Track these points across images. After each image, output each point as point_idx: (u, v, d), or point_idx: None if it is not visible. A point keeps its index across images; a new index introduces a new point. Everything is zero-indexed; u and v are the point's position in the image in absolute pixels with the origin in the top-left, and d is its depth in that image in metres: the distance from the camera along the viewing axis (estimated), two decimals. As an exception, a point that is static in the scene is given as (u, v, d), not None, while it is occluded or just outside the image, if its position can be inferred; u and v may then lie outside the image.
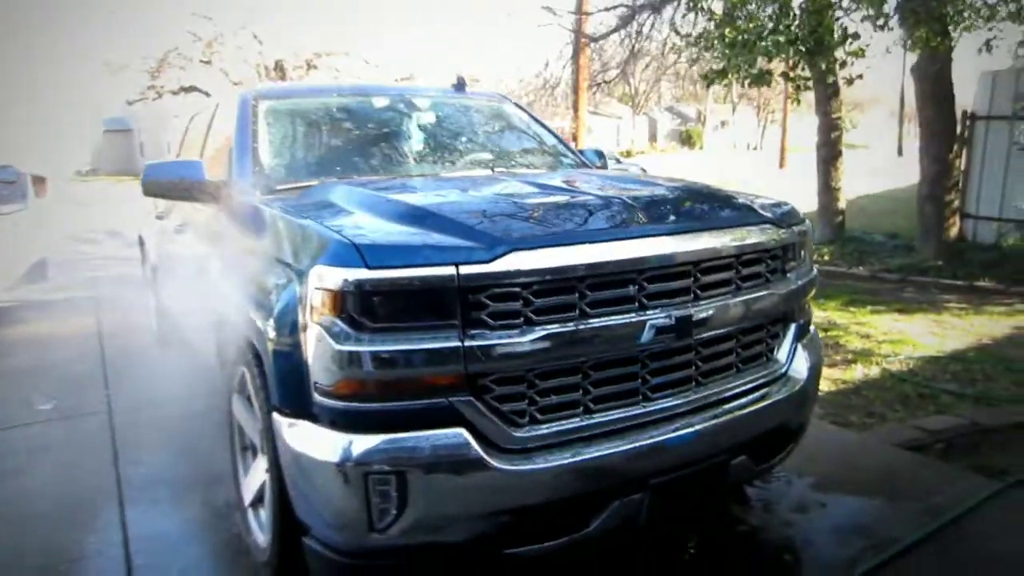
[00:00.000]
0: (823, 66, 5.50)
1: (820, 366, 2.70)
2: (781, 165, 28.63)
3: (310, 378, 1.96)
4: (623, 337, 2.08)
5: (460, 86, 4.04)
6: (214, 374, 3.36)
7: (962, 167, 8.53)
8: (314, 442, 1.95)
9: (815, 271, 2.76)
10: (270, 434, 2.16)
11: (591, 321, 2.04)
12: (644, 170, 4.28)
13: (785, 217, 2.58)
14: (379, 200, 2.35)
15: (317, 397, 1.95)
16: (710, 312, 2.24)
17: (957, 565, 2.42)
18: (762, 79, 6.04)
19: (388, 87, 4.59)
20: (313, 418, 1.98)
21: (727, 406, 2.34)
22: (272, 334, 2.09)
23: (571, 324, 2.01)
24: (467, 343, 1.90)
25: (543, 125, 4.10)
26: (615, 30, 10.10)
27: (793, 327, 2.62)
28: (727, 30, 5.94)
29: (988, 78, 9.14)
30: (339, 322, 1.88)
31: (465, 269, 1.89)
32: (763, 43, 5.58)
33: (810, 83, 5.97)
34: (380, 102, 3.67)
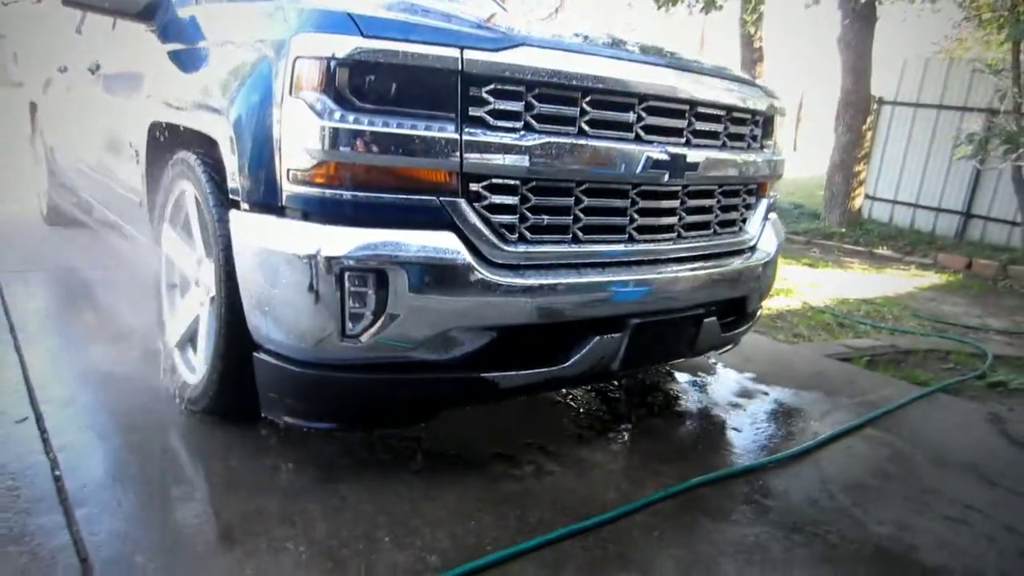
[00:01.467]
0: None
1: (781, 248, 2.70)
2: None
3: (281, 164, 1.73)
4: (618, 162, 1.97)
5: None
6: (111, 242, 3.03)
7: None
8: (284, 236, 1.73)
9: (783, 155, 2.75)
10: (224, 240, 1.92)
11: (589, 140, 1.91)
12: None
13: (771, 91, 2.56)
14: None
15: (289, 186, 1.73)
16: (699, 158, 2.17)
17: (895, 449, 2.48)
18: (712, 4, 6.06)
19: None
20: (280, 211, 1.76)
21: (703, 263, 2.29)
22: (235, 118, 1.84)
23: (569, 137, 1.88)
24: (465, 138, 1.73)
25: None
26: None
27: (764, 202, 2.61)
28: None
29: (899, 66, 9.62)
30: (324, 97, 1.66)
31: (470, 54, 1.72)
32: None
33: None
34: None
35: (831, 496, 2.09)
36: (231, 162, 1.86)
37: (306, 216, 1.73)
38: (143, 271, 3.72)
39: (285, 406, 1.87)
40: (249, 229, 1.81)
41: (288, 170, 1.72)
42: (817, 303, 4.90)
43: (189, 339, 2.35)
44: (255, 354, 1.88)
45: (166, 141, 2.38)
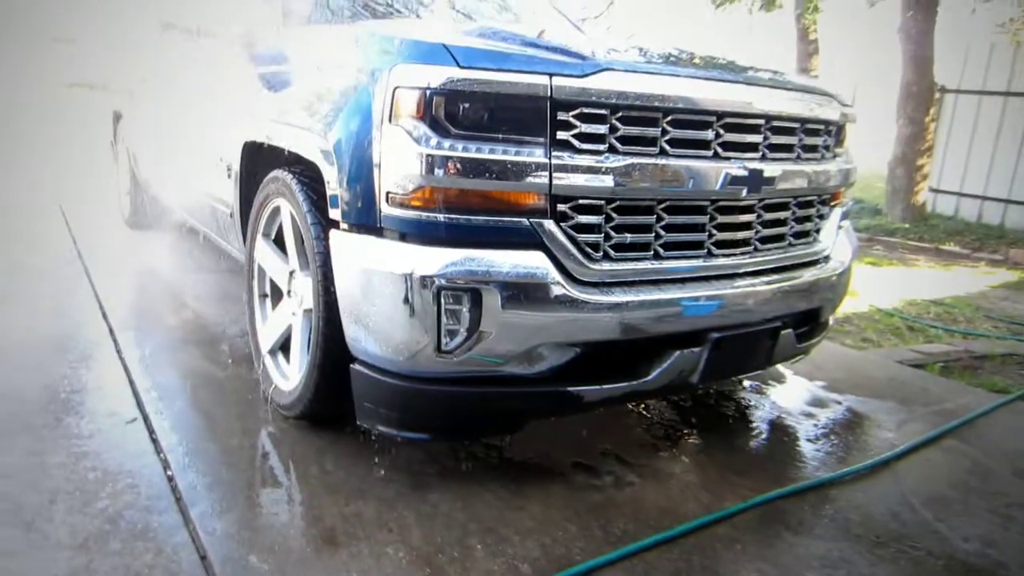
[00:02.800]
0: None
1: (855, 256, 2.70)
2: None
3: (380, 188, 1.83)
4: (698, 180, 2.01)
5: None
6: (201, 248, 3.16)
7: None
8: (383, 256, 1.82)
9: (854, 163, 2.74)
10: (323, 256, 2.02)
11: (670, 159, 1.96)
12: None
13: (843, 100, 2.56)
14: (445, 26, 2.20)
15: (387, 208, 1.82)
16: (776, 172, 2.19)
17: (975, 461, 2.46)
18: (772, 3, 5.98)
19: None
20: (379, 232, 1.86)
21: (779, 276, 2.31)
22: (334, 142, 1.94)
23: (651, 157, 1.93)
24: (553, 161, 1.79)
25: (562, 14, 3.98)
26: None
27: (837, 211, 2.62)
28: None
29: (963, 52, 9.31)
30: (422, 125, 1.75)
31: (558, 81, 1.78)
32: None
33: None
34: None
35: (913, 510, 2.10)
36: (331, 185, 1.96)
37: (403, 237, 1.82)
38: (229, 277, 3.90)
39: (380, 416, 1.97)
40: (349, 249, 1.91)
41: (387, 193, 1.81)
42: (884, 305, 4.83)
43: (281, 347, 2.47)
44: (352, 366, 1.99)
45: (260, 159, 2.50)
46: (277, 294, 2.54)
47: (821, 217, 2.53)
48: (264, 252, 2.52)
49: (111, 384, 2.53)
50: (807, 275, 2.40)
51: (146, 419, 2.28)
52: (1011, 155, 8.90)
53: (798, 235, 2.41)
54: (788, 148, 2.27)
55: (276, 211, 2.41)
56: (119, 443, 2.12)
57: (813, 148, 2.38)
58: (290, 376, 2.34)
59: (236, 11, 2.96)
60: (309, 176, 2.17)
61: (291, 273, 2.38)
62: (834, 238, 2.58)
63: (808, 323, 2.53)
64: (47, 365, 2.65)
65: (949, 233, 8.00)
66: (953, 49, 8.98)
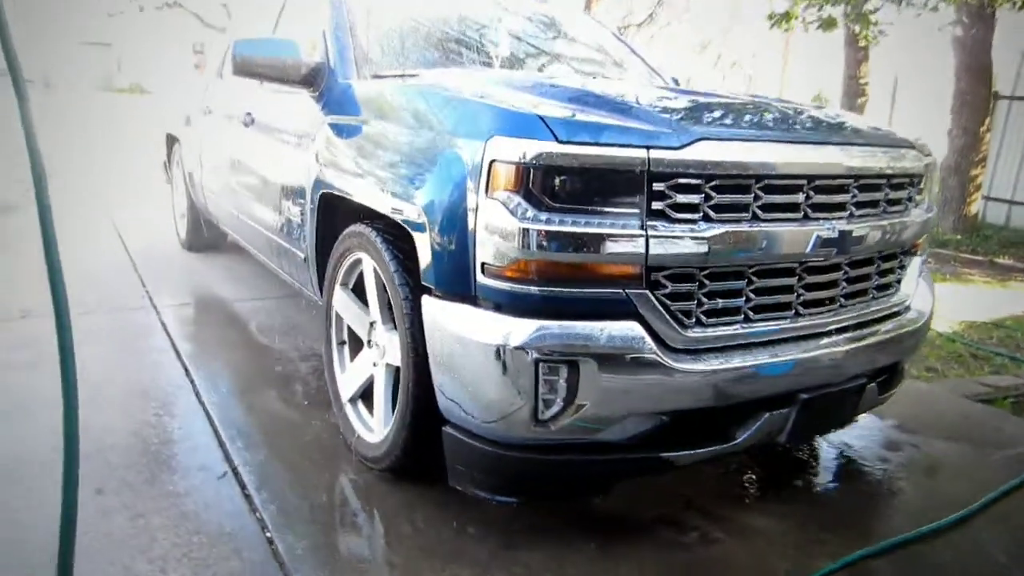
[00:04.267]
0: None
1: (934, 304, 2.66)
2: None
3: (476, 259, 1.85)
4: (791, 244, 2.00)
5: (545, -2, 3.87)
6: (259, 273, 3.18)
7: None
8: (479, 326, 1.84)
9: (935, 208, 2.71)
10: (412, 318, 2.05)
11: (762, 224, 1.95)
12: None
13: (923, 146, 2.53)
14: (535, 86, 2.22)
15: (483, 278, 1.84)
16: (864, 230, 2.18)
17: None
18: (832, 23, 5.88)
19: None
20: (474, 301, 1.88)
21: (864, 330, 2.29)
22: (425, 209, 1.96)
23: (744, 224, 1.92)
24: (649, 232, 1.80)
25: (624, 42, 3.97)
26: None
27: (918, 260, 2.58)
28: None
29: (1016, 59, 9.13)
30: (519, 198, 1.77)
31: (655, 153, 1.79)
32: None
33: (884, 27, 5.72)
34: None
35: (1008, 570, 2.07)
36: (422, 251, 1.98)
37: (499, 307, 1.84)
38: (289, 304, 3.96)
39: (472, 479, 2.00)
40: (443, 316, 1.93)
41: (483, 264, 1.84)
42: (944, 327, 4.75)
43: (361, 396, 2.51)
44: (444, 429, 2.01)
45: (339, 210, 2.54)
46: (354, 340, 2.58)
47: (903, 267, 2.50)
48: (343, 301, 2.56)
49: (197, 433, 2.59)
50: (891, 328, 2.38)
51: (236, 472, 2.33)
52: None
53: (881, 287, 2.39)
54: (874, 204, 2.25)
55: (356, 263, 2.45)
56: (215, 501, 2.17)
57: (897, 201, 2.36)
58: (375, 428, 2.37)
59: (307, 51, 3.01)
60: (393, 233, 2.20)
61: (371, 324, 2.42)
62: (915, 286, 2.55)
63: (889, 371, 2.51)
64: (131, 410, 2.72)
65: (1003, 245, 7.84)
66: (1006, 52, 8.78)
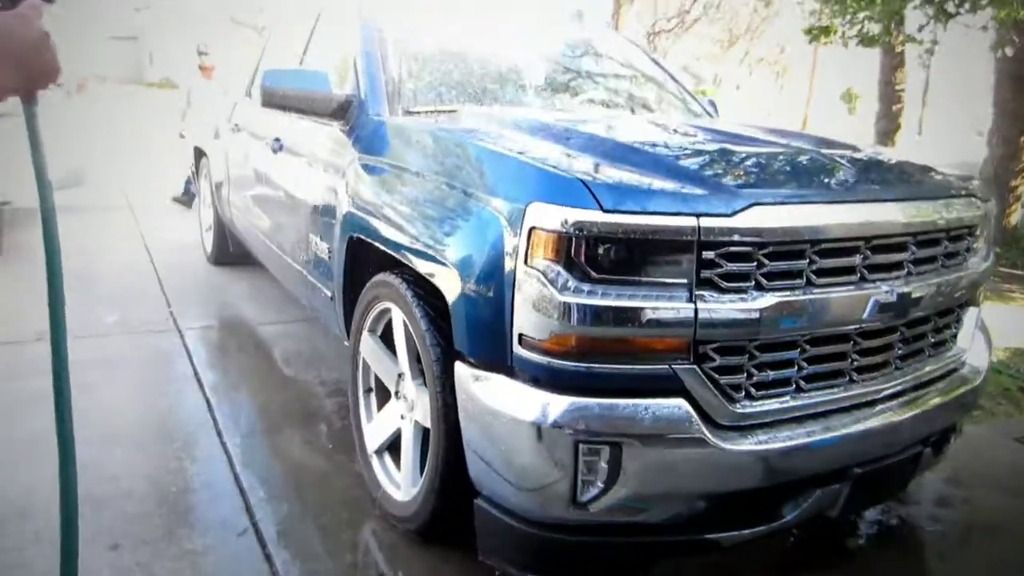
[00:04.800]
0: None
1: (991, 356, 2.52)
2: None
3: (512, 328, 1.74)
4: (847, 310, 1.88)
5: (577, 16, 3.74)
6: (284, 294, 3.11)
7: None
8: (515, 400, 1.74)
9: (993, 255, 2.56)
10: (443, 382, 1.96)
11: (817, 290, 1.83)
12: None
13: (981, 192, 2.38)
14: (574, 135, 2.10)
15: (520, 350, 1.74)
16: (923, 290, 2.04)
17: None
18: (873, 41, 5.67)
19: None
20: (510, 372, 1.77)
21: (921, 392, 2.16)
22: (461, 273, 1.86)
23: (799, 292, 1.80)
24: (698, 304, 1.68)
25: (660, 65, 3.83)
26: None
27: (974, 311, 2.44)
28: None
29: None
30: (560, 268, 1.66)
31: (706, 221, 1.67)
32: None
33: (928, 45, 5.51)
34: (502, 26, 3.39)
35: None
36: (457, 316, 1.88)
37: (537, 381, 1.73)
38: (312, 329, 3.88)
39: (504, 555, 1.90)
40: (476, 386, 1.83)
41: (520, 335, 1.73)
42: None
43: (388, 448, 2.43)
44: (476, 501, 1.92)
45: (369, 252, 2.43)
46: (382, 388, 2.49)
47: (959, 321, 2.36)
48: (370, 348, 2.47)
49: (217, 480, 2.52)
50: (946, 387, 2.24)
51: (256, 528, 2.25)
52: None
53: (937, 344, 2.26)
54: (932, 260, 2.12)
55: (385, 311, 2.35)
56: (235, 562, 2.09)
57: (956, 254, 2.22)
58: (402, 486, 2.28)
59: (337, 80, 2.92)
60: (423, 287, 2.10)
61: (400, 376, 2.32)
62: (971, 340, 2.41)
63: (943, 432, 2.37)
64: (151, 449, 2.66)
65: (1047, 259, 7.58)
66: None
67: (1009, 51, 6.36)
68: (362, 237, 2.42)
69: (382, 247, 2.28)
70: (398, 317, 2.24)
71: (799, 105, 33.19)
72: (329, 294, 2.81)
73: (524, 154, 1.89)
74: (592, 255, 1.65)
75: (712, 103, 3.81)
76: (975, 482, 2.86)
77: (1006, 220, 7.98)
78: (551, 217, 1.66)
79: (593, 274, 1.66)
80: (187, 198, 7.06)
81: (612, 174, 1.76)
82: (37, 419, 2.66)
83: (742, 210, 1.71)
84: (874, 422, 1.98)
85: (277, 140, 3.41)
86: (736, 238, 1.70)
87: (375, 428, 2.47)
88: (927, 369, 2.20)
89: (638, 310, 1.65)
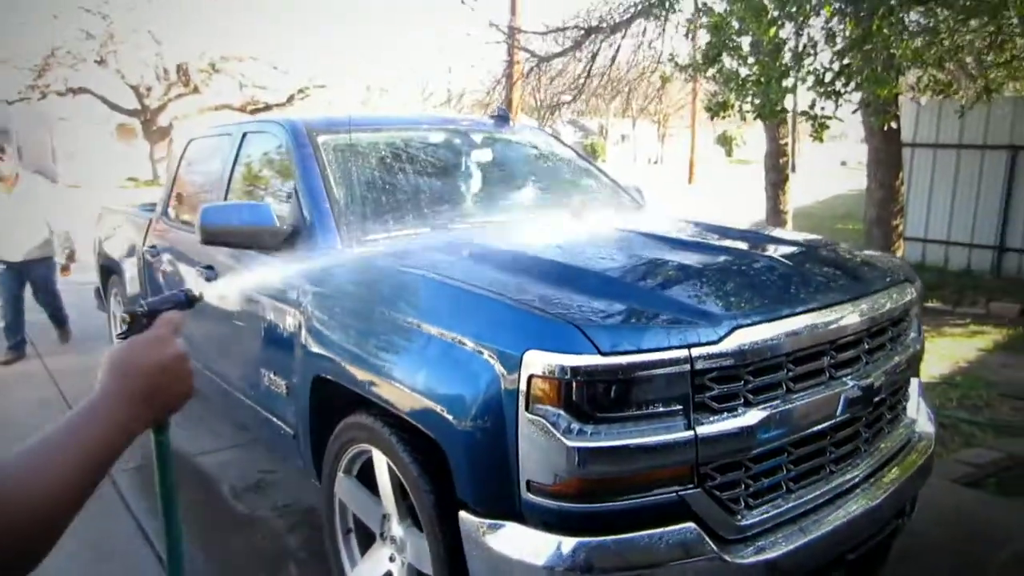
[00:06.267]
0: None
1: (935, 421, 2.70)
2: (690, 181, 29.28)
3: (519, 475, 1.74)
4: (823, 409, 2.00)
5: (503, 118, 3.85)
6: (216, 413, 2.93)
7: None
8: (529, 546, 1.73)
9: (921, 327, 2.77)
10: (445, 531, 1.92)
11: (796, 397, 1.93)
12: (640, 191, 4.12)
13: (912, 274, 2.60)
14: (544, 265, 2.15)
15: (530, 496, 1.74)
16: (881, 378, 2.19)
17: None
18: (775, 114, 6.10)
19: (436, 118, 4.32)
20: (520, 518, 1.77)
21: (887, 469, 2.29)
22: (458, 422, 1.85)
23: (779, 401, 1.90)
24: (696, 428, 1.74)
25: (586, 159, 3.98)
26: (566, 51, 10.09)
27: (916, 383, 2.62)
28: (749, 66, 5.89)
29: (914, 109, 9.78)
30: (563, 413, 1.68)
31: (697, 351, 1.74)
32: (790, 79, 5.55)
33: (829, 121, 5.97)
34: (437, 137, 3.44)
35: None
36: (457, 466, 1.86)
37: (547, 525, 1.73)
38: (272, 463, 3.69)
39: None
40: (486, 536, 1.81)
41: (528, 481, 1.73)
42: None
43: (377, 592, 2.33)
44: (493, 652, 1.87)
45: (335, 392, 2.36)
46: (361, 527, 2.41)
47: (906, 394, 2.53)
48: (347, 490, 2.39)
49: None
50: (908, 458, 2.39)
51: None
52: (969, 202, 9.37)
53: (892, 421, 2.41)
54: (882, 347, 2.28)
55: (363, 454, 2.29)
56: None
57: (899, 335, 2.40)
58: (400, 635, 2.20)
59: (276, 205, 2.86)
60: (408, 430, 2.06)
61: (385, 517, 2.26)
62: (917, 408, 2.59)
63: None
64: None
65: (929, 288, 8.21)
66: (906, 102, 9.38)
67: (895, 124, 7.00)
68: (329, 378, 2.35)
69: (356, 390, 2.23)
70: (380, 460, 2.19)
71: (683, 151, 35.04)
72: (291, 432, 2.70)
73: (506, 296, 1.91)
74: (593, 396, 1.69)
75: (639, 190, 3.93)
76: (920, 528, 2.99)
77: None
78: (550, 365, 1.69)
79: (596, 415, 1.69)
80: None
81: (599, 310, 1.81)
82: None
83: (727, 335, 1.79)
84: (855, 507, 2.08)
85: (211, 268, 3.29)
86: (725, 363, 1.78)
87: (363, 573, 2.37)
88: (887, 446, 2.34)
89: (644, 445, 1.69)
